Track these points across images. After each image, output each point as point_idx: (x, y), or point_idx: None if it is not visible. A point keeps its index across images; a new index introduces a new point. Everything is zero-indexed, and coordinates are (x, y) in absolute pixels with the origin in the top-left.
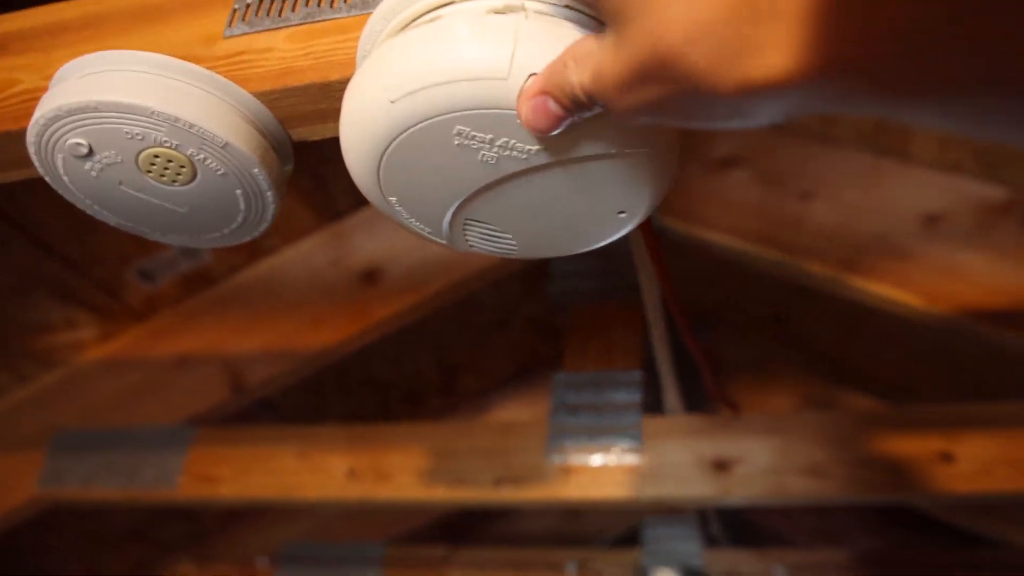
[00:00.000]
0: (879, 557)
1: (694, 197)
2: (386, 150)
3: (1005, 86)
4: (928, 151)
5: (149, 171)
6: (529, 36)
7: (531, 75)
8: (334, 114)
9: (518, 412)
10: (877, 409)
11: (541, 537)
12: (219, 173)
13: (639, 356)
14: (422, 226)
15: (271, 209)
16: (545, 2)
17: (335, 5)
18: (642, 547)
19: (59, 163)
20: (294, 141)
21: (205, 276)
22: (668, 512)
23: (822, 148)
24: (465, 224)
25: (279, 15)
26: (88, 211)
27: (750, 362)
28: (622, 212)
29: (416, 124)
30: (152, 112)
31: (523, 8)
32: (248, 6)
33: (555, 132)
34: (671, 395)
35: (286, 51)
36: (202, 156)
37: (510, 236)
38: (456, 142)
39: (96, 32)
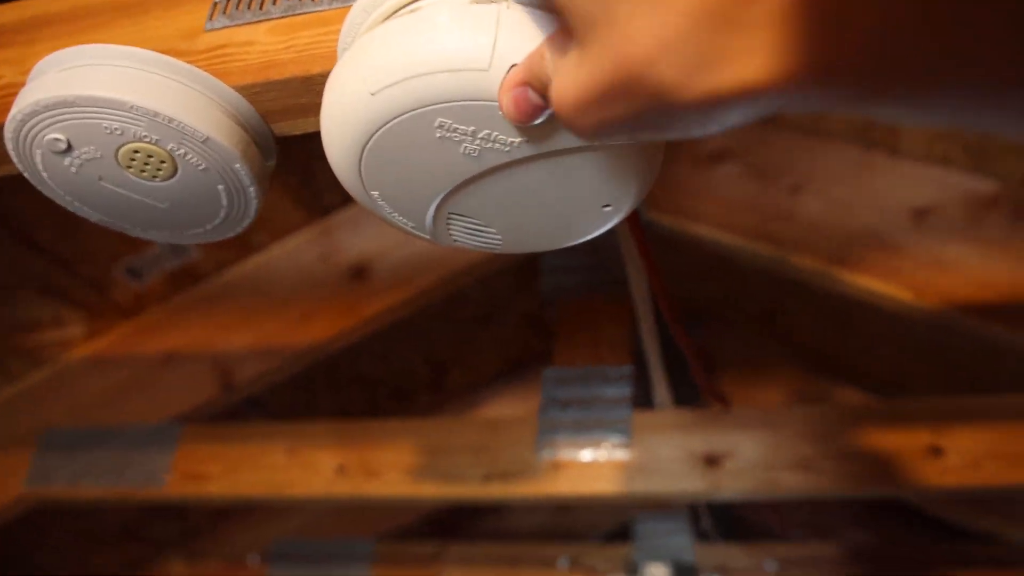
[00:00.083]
0: (869, 551)
1: (683, 191)
2: (367, 143)
3: (983, 78)
4: (917, 145)
5: (129, 166)
6: (510, 26)
7: (512, 66)
8: (316, 108)
9: (507, 407)
10: (867, 403)
11: (532, 532)
12: (200, 168)
13: (629, 351)
14: (405, 221)
15: (254, 205)
16: None
17: None
18: (633, 542)
19: (38, 159)
20: (277, 136)
21: (193, 273)
22: (659, 507)
23: (812, 142)
24: (449, 218)
25: (260, 8)
26: (69, 207)
27: (740, 356)
28: (607, 205)
29: (397, 117)
30: (131, 107)
31: None
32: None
33: (536, 122)
34: (661, 389)
35: (267, 44)
36: (183, 151)
37: (494, 230)
38: (438, 135)
39: (77, 26)
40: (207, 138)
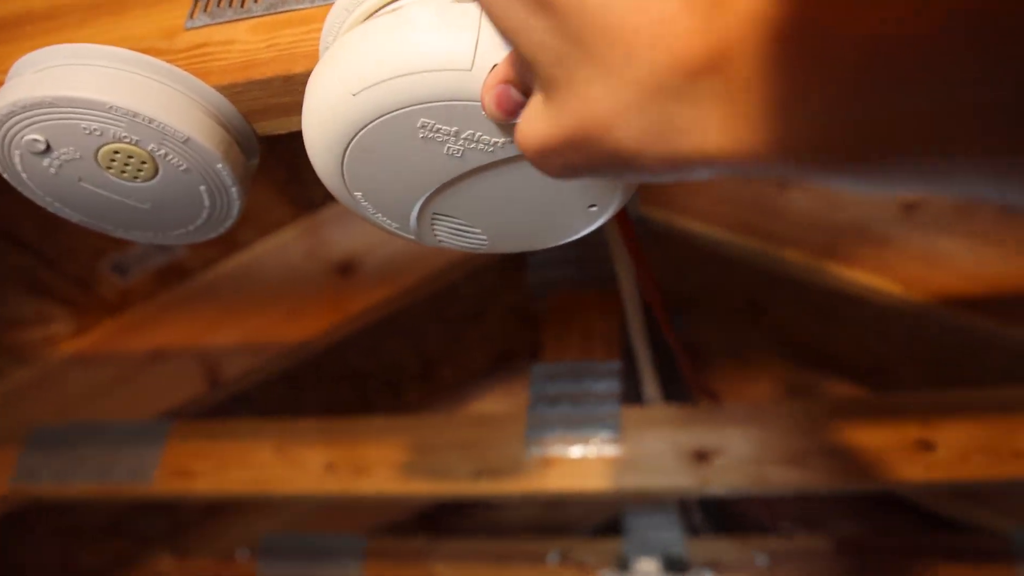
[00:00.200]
0: (860, 543)
1: (671, 185)
2: (349, 144)
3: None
4: None
5: (109, 167)
6: (490, 21)
7: (495, 65)
8: (299, 107)
9: (496, 402)
10: (856, 397)
11: (522, 527)
12: (181, 169)
13: (618, 346)
14: (389, 221)
15: (236, 205)
16: None
17: None
18: (624, 536)
19: (16, 160)
20: (259, 135)
21: (179, 269)
22: (649, 501)
23: None
24: (433, 219)
25: (241, 6)
26: (49, 208)
27: (729, 350)
28: (593, 205)
29: (379, 117)
30: (110, 107)
31: None
32: None
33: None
34: (650, 385)
35: (249, 43)
36: (163, 152)
37: (479, 230)
38: (421, 135)
39: (55, 24)
40: (188, 138)
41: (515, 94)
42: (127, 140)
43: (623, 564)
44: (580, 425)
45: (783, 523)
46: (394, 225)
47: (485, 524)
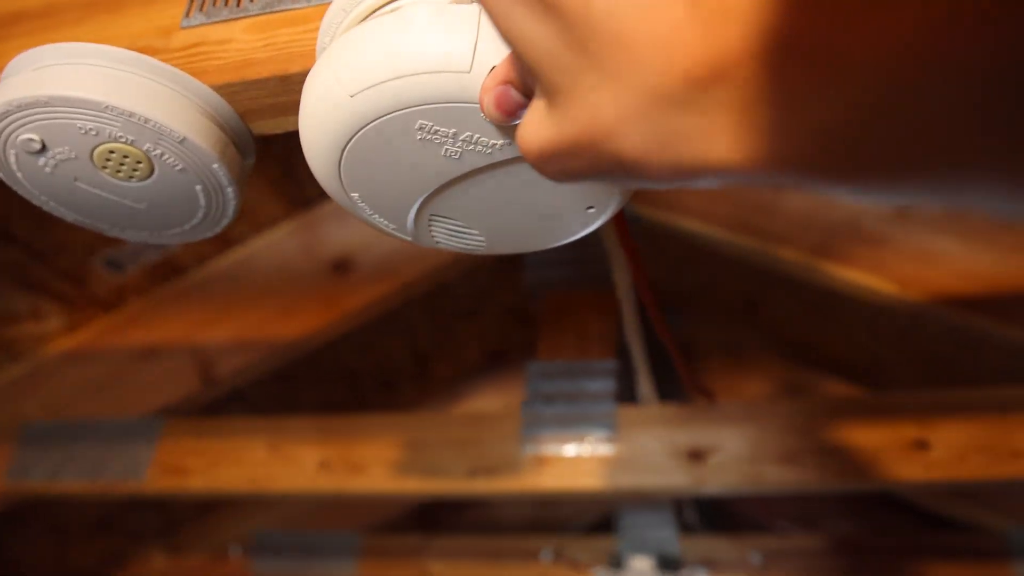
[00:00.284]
0: (855, 542)
1: None
2: (346, 146)
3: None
4: None
5: (105, 167)
6: (490, 24)
7: (494, 68)
8: (295, 107)
9: (491, 400)
10: (852, 396)
11: (516, 524)
12: (177, 169)
13: (613, 345)
14: (386, 222)
15: (232, 204)
16: None
17: None
18: (617, 534)
19: (12, 159)
20: (255, 135)
21: (174, 266)
22: (643, 500)
23: None
24: (430, 220)
25: (238, 5)
26: (44, 207)
27: (724, 348)
28: (591, 207)
29: (376, 119)
30: (105, 107)
31: None
32: None
33: (517, 121)
34: (645, 384)
35: (245, 42)
36: (159, 152)
37: (477, 232)
38: (418, 137)
39: (50, 22)
40: (184, 138)
41: (515, 95)
42: (123, 140)
43: (616, 562)
44: (575, 424)
45: (779, 522)
46: (391, 226)
47: (479, 521)
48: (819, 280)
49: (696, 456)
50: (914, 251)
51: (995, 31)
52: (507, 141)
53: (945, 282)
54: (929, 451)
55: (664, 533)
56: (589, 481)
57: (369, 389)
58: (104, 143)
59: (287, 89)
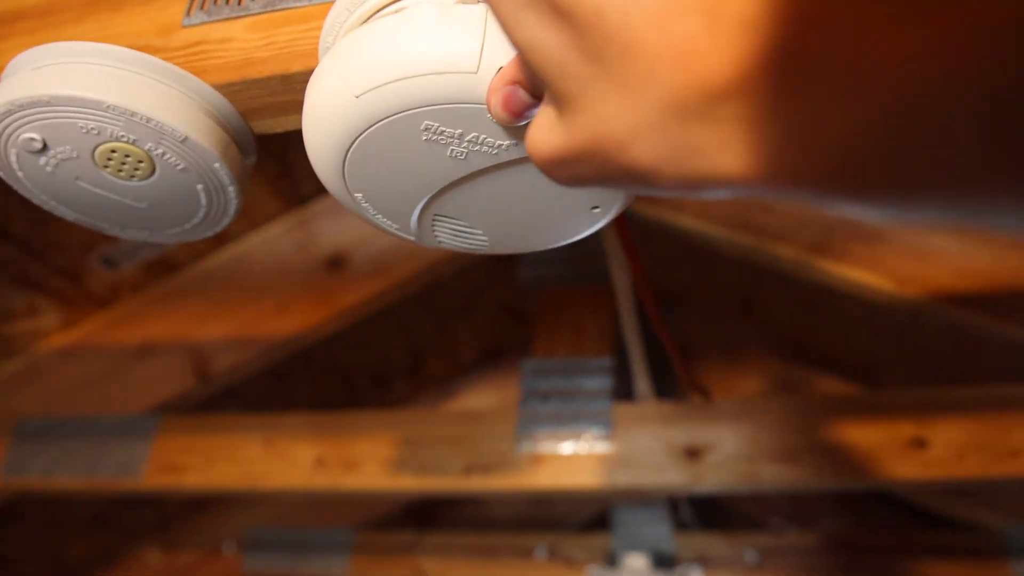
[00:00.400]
0: (851, 540)
1: None
2: (351, 146)
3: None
4: None
5: (106, 166)
6: (498, 27)
7: (501, 68)
8: (296, 106)
9: (485, 397)
10: (849, 394)
11: (510, 521)
12: (179, 168)
13: (609, 342)
14: (389, 223)
15: (234, 204)
16: None
17: None
18: (612, 531)
19: (13, 158)
20: (256, 134)
21: (169, 262)
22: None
23: None
24: (434, 220)
25: (239, 3)
26: (45, 207)
27: (720, 345)
28: (596, 207)
29: (382, 119)
30: (107, 106)
31: None
32: None
33: (525, 122)
34: (642, 381)
35: (246, 41)
36: (161, 151)
37: (480, 232)
38: (424, 137)
39: (50, 20)
40: (186, 138)
41: (523, 95)
42: (124, 139)
43: (611, 559)
44: (571, 421)
45: (774, 519)
46: (394, 226)
47: (473, 518)
48: (816, 277)
49: (692, 454)
50: (912, 248)
51: (1013, 49)
52: (513, 142)
53: (943, 279)
54: (927, 449)
55: (659, 531)
56: (585, 479)
57: (364, 386)
58: (106, 142)
59: (289, 88)
